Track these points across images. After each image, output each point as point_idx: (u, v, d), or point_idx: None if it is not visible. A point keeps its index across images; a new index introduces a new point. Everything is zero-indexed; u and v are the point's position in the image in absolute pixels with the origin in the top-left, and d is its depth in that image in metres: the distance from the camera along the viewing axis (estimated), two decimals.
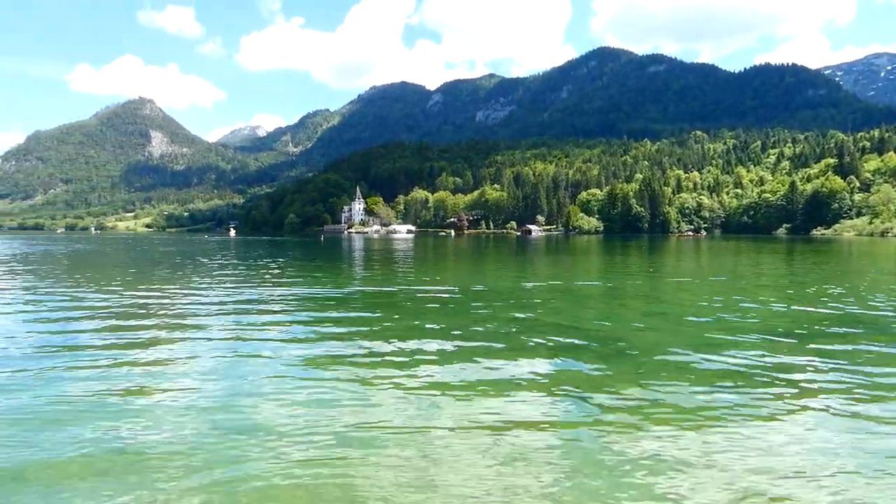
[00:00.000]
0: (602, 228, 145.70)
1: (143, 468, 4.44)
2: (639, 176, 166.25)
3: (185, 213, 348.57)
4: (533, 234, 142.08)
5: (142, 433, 5.16)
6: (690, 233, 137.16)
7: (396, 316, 11.91)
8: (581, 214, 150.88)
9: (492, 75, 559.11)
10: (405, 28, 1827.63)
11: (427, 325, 10.49)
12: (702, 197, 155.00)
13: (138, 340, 9.12)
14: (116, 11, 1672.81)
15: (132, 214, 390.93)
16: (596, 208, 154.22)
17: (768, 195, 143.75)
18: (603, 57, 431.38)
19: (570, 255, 43.29)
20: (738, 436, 5.05)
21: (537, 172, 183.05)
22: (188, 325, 10.62)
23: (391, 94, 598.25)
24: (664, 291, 17.61)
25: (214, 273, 22.99)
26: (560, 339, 9.31)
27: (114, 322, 10.83)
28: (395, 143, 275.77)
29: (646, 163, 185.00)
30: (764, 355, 7.98)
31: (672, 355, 8.05)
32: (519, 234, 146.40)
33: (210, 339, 9.14)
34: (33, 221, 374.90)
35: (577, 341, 9.15)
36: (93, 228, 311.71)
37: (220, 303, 13.65)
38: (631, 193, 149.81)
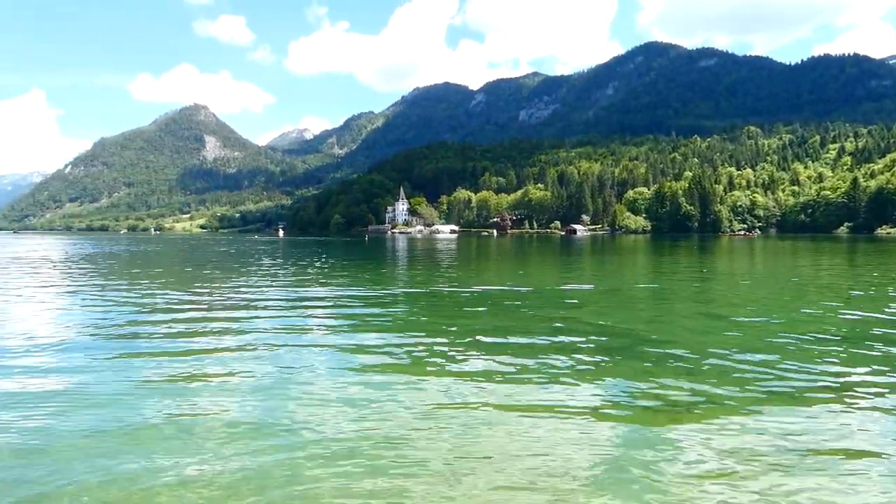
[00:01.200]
0: (649, 228, 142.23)
1: (196, 451, 4.74)
2: (688, 174, 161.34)
3: (237, 215, 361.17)
4: (578, 233, 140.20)
5: (195, 421, 5.48)
6: (742, 232, 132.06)
7: (439, 315, 12.00)
8: (627, 213, 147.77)
9: (535, 74, 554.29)
10: (448, 29, 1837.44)
11: (469, 326, 10.44)
12: (755, 195, 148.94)
13: (195, 333, 9.75)
14: (174, 22, 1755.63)
15: (188, 216, 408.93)
16: (643, 207, 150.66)
17: (828, 192, 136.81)
18: (650, 52, 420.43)
19: (617, 254, 42.58)
20: (784, 445, 4.89)
21: (582, 171, 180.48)
22: (240, 319, 11.25)
23: (434, 94, 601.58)
24: (715, 293, 17.13)
25: (266, 272, 23.93)
26: (604, 339, 9.19)
27: (174, 316, 11.56)
28: (437, 144, 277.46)
29: (695, 160, 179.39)
30: (819, 363, 7.58)
31: (721, 358, 7.79)
32: (563, 233, 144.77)
33: (260, 336, 9.49)
34: (99, 223, 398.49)
35: (622, 342, 9.00)
36: (152, 229, 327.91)
37: (271, 300, 14.13)
38: (680, 192, 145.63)
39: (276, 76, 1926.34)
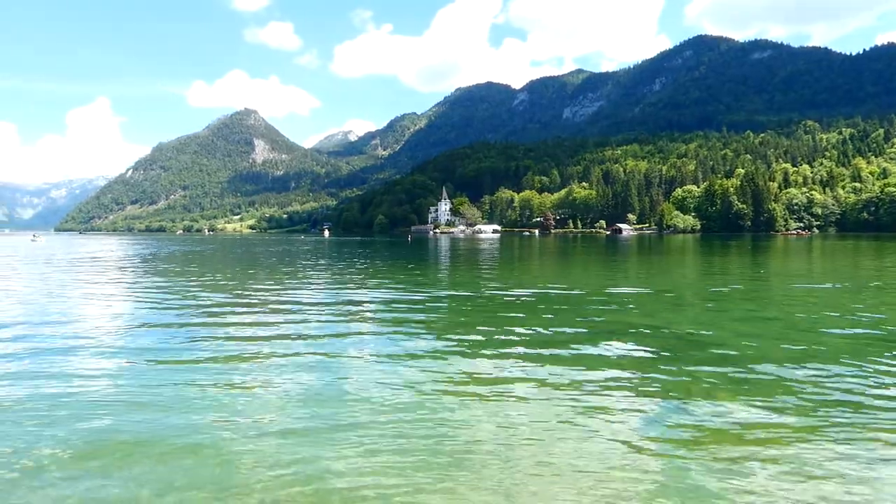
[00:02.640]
0: (699, 227, 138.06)
1: (235, 452, 4.86)
2: (740, 171, 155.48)
3: (284, 215, 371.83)
4: (623, 233, 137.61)
5: (236, 420, 5.68)
6: (798, 231, 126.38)
7: (481, 318, 11.89)
8: (676, 212, 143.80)
9: (579, 71, 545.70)
10: (491, 28, 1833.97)
11: (510, 328, 10.36)
12: (813, 192, 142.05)
13: (244, 336, 10.13)
14: (226, 30, 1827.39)
15: (238, 217, 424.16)
16: (692, 206, 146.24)
17: (893, 189, 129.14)
18: (700, 46, 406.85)
19: (664, 254, 41.79)
20: (834, 455, 4.71)
21: (628, 169, 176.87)
22: (288, 319, 11.65)
23: (476, 94, 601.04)
24: (768, 295, 16.52)
25: (313, 272, 24.71)
26: (652, 342, 9.02)
27: (225, 318, 12.06)
28: (480, 144, 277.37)
29: (748, 156, 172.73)
30: (879, 373, 7.15)
31: (773, 364, 7.53)
32: (608, 233, 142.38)
33: (308, 338, 9.74)
34: (157, 224, 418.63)
35: (670, 345, 8.81)
36: (206, 230, 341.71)
37: (317, 302, 14.49)
38: (731, 189, 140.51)
39: (322, 80, 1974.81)
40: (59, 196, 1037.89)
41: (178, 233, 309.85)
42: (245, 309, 13.58)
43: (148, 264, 31.72)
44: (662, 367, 7.58)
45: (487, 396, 6.36)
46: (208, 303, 14.69)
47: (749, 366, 7.53)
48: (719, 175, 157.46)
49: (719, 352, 8.44)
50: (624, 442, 5.08)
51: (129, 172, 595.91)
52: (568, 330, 10.30)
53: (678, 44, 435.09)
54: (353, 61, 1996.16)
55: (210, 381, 7.03)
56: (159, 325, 11.23)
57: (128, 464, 4.67)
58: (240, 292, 17.14)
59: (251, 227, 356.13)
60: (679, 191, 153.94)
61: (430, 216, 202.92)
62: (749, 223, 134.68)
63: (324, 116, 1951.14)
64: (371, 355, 8.42)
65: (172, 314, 12.64)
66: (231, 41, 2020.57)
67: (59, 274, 24.60)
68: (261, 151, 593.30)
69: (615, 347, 8.78)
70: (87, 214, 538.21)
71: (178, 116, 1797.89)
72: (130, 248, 56.92)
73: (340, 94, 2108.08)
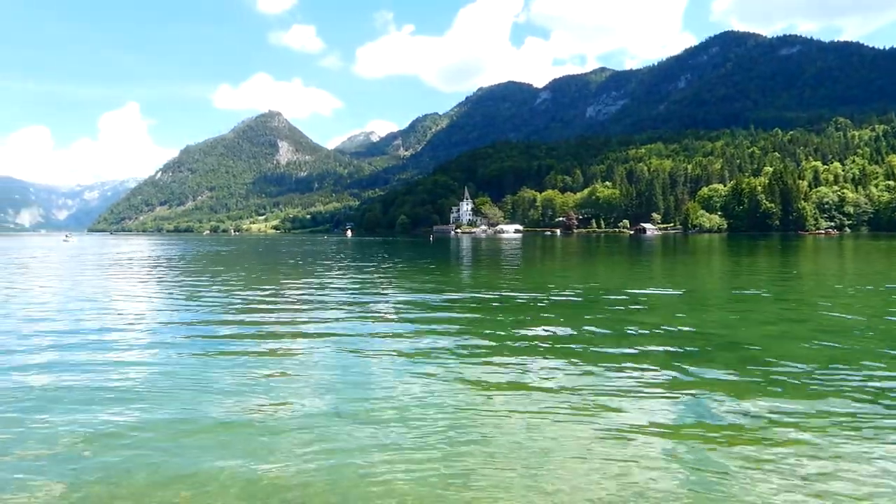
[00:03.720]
0: (725, 227, 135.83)
1: (265, 443, 5.07)
2: (768, 169, 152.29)
3: (308, 216, 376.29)
4: (648, 232, 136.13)
5: (266, 412, 5.93)
6: (827, 230, 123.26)
7: (504, 316, 11.90)
8: (701, 212, 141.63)
9: (602, 69, 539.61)
10: (513, 27, 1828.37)
11: (535, 326, 10.31)
12: (845, 190, 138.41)
13: (269, 333, 10.50)
14: (250, 34, 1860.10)
15: (263, 217, 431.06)
16: (718, 205, 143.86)
17: None
18: (726, 42, 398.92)
19: (690, 254, 41.20)
20: (863, 463, 4.62)
21: (652, 168, 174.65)
22: (312, 318, 11.95)
23: (498, 94, 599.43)
24: (798, 296, 16.20)
25: (335, 272, 25.06)
26: (679, 343, 8.93)
27: (251, 316, 12.45)
28: (502, 143, 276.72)
29: (777, 154, 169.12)
30: None
31: (804, 367, 7.40)
32: (632, 232, 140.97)
33: (331, 336, 10.00)
34: (185, 224, 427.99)
35: (698, 347, 8.69)
36: (232, 230, 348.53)
37: (340, 301, 14.68)
38: (759, 188, 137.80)
39: (345, 81, 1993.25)
40: (92, 198, 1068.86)
41: (204, 233, 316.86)
42: (271, 307, 14.00)
43: (178, 263, 32.89)
44: (689, 367, 7.50)
45: (509, 394, 6.41)
46: (237, 300, 15.20)
47: (778, 367, 7.43)
48: (746, 173, 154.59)
49: (747, 353, 8.31)
50: (648, 442, 5.06)
51: (158, 174, 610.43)
52: (593, 330, 10.19)
53: (704, 40, 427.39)
54: (375, 62, 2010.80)
55: (238, 372, 7.41)
56: (191, 320, 11.80)
57: (152, 450, 4.90)
58: (266, 291, 17.64)
59: (275, 228, 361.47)
60: (705, 189, 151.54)
61: (452, 216, 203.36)
62: (777, 222, 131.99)
63: (346, 117, 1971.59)
64: (394, 353, 8.52)
65: (203, 310, 13.21)
66: (255, 44, 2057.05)
67: (88, 273, 25.81)
68: (285, 153, 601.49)
69: (640, 348, 8.68)
70: (118, 215, 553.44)
71: (204, 119, 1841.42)
72: (159, 249, 58.52)
73: (362, 95, 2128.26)
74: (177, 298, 15.88)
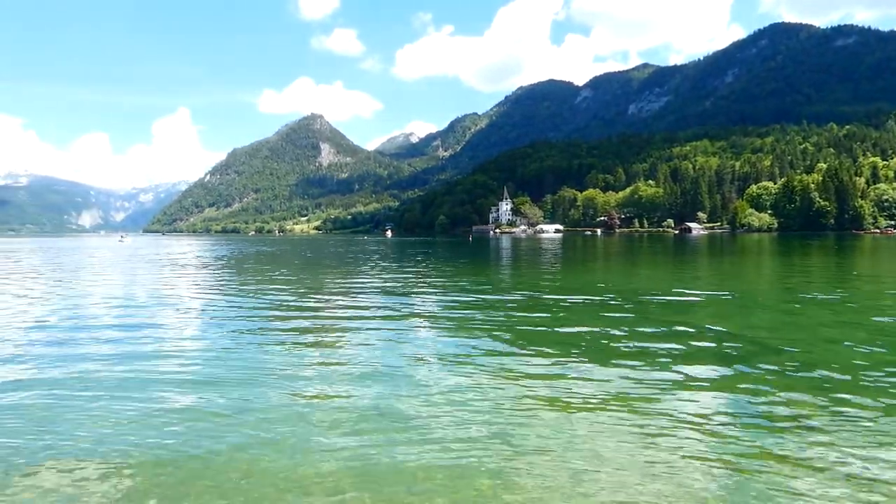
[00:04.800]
0: (775, 226, 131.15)
1: (307, 432, 5.28)
2: (821, 165, 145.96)
3: (348, 216, 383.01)
4: (693, 232, 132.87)
5: (308, 403, 6.14)
6: (887, 229, 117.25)
7: (544, 316, 11.71)
8: (750, 210, 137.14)
9: (645, 65, 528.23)
10: (553, 24, 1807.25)
11: (574, 331, 10.09)
12: None
13: (311, 328, 10.76)
14: (293, 40, 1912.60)
15: (305, 218, 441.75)
16: (768, 203, 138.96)
17: None
18: (776, 34, 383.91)
19: (738, 255, 39.93)
20: None
21: (698, 166, 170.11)
22: (354, 315, 12.16)
23: (538, 93, 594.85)
24: (855, 300, 15.20)
25: (376, 272, 25.31)
26: (727, 346, 8.69)
27: (296, 313, 12.73)
28: (542, 142, 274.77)
29: (831, 150, 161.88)
30: None
31: (857, 373, 7.07)
32: (676, 232, 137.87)
33: (371, 329, 10.30)
34: (232, 225, 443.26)
35: (746, 349, 8.42)
36: (276, 231, 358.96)
37: (381, 301, 14.70)
38: (812, 185, 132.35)
39: (384, 83, 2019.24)
40: (147, 200, 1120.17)
41: (250, 234, 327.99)
42: (315, 303, 14.56)
43: (227, 262, 34.45)
44: (735, 369, 7.32)
45: (549, 394, 6.40)
46: (282, 296, 15.74)
47: (830, 371, 7.17)
48: (798, 170, 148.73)
49: (798, 356, 8.03)
50: (691, 443, 5.00)
51: (207, 177, 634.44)
52: (635, 330, 10.01)
53: (753, 33, 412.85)
54: (414, 64, 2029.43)
55: (283, 364, 7.82)
56: (239, 315, 12.44)
57: (207, 434, 5.24)
58: (310, 288, 18.18)
59: (317, 228, 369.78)
60: (754, 187, 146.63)
61: (492, 216, 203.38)
62: (832, 221, 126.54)
63: (386, 119, 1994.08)
64: (434, 350, 8.66)
65: (250, 305, 13.89)
66: (298, 49, 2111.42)
67: (142, 271, 27.53)
68: (326, 155, 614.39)
69: (684, 351, 8.45)
70: (170, 217, 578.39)
71: (249, 123, 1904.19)
72: (208, 249, 60.66)
73: (402, 96, 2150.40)
74: (227, 294, 16.66)
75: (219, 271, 27.34)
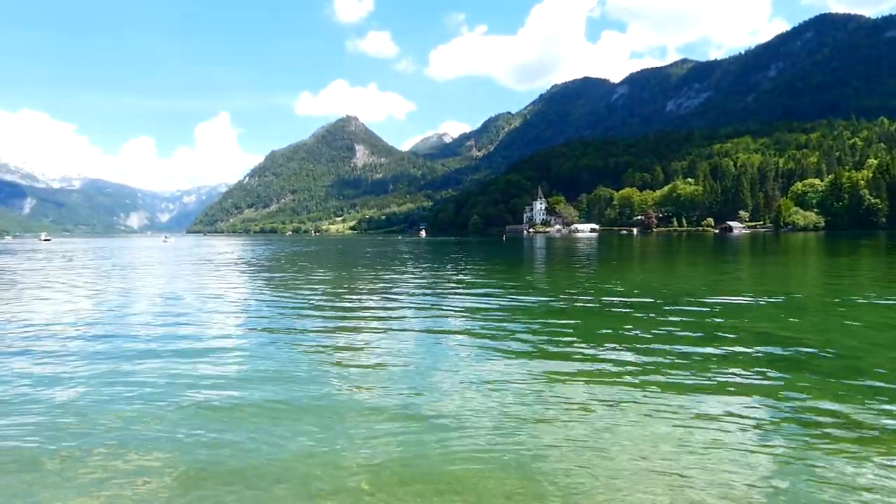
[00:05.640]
0: (822, 224, 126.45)
1: (341, 430, 5.43)
2: (872, 161, 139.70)
3: (382, 217, 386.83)
4: (734, 231, 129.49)
5: (343, 401, 6.34)
6: None
7: (583, 319, 11.60)
8: (795, 208, 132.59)
9: (684, 60, 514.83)
10: (588, 21, 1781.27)
11: (615, 331, 9.99)
12: None
13: (350, 327, 11.05)
14: (329, 42, 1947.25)
15: (340, 219, 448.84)
16: (814, 201, 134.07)
17: None
18: (823, 26, 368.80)
19: (783, 254, 38.81)
20: None
21: (739, 163, 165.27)
22: (389, 315, 12.38)
23: (572, 91, 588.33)
24: None
25: (411, 270, 25.96)
26: (771, 349, 8.47)
27: (332, 312, 13.11)
28: (577, 141, 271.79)
29: (882, 145, 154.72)
30: None
31: None
32: (717, 231, 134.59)
33: (407, 329, 10.49)
34: (270, 226, 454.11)
35: (791, 353, 8.21)
36: (312, 231, 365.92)
37: (415, 302, 14.93)
38: (862, 182, 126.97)
39: (418, 84, 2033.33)
40: (190, 201, 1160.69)
41: (287, 234, 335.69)
42: (350, 302, 14.91)
43: (266, 262, 35.78)
44: (779, 373, 7.15)
45: (585, 396, 6.37)
46: (319, 295, 16.22)
47: (879, 377, 6.96)
48: (847, 167, 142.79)
49: (845, 360, 7.81)
50: (731, 448, 4.93)
51: (246, 179, 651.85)
52: (675, 333, 9.83)
53: (797, 25, 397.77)
54: (448, 64, 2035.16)
55: (318, 361, 8.10)
56: (278, 314, 12.86)
57: (245, 431, 5.45)
58: (347, 287, 18.84)
59: (352, 229, 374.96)
60: (799, 185, 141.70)
61: (525, 216, 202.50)
62: (883, 220, 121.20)
63: (420, 120, 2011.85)
64: (467, 350, 8.73)
65: (289, 304, 14.35)
66: (334, 52, 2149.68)
67: (184, 270, 28.86)
68: (361, 156, 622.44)
69: (727, 354, 8.28)
70: (211, 217, 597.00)
71: (286, 126, 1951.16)
72: (248, 249, 62.50)
73: (435, 97, 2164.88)
74: (266, 293, 17.20)
75: (259, 271, 28.37)
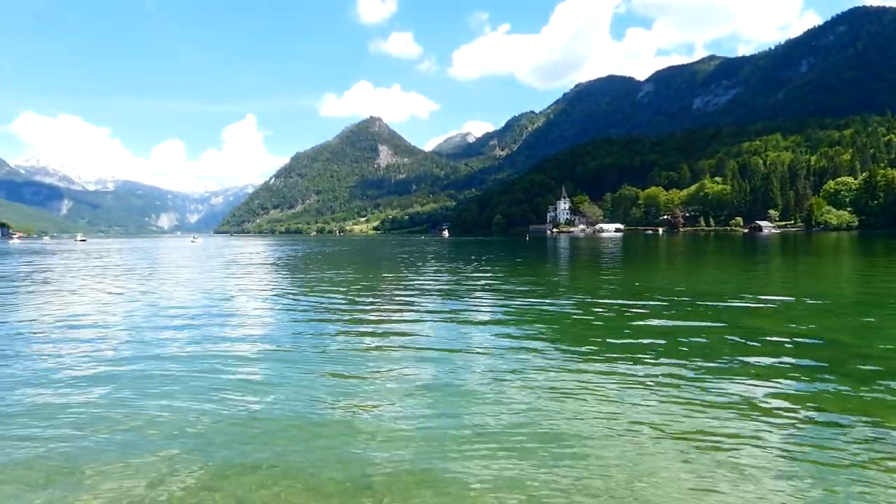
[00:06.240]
0: (856, 224, 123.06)
1: (362, 441, 5.35)
2: None
3: (406, 217, 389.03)
4: (764, 231, 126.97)
5: (364, 410, 6.24)
6: None
7: (608, 323, 11.28)
8: (827, 207, 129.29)
9: (711, 57, 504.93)
10: (613, 18, 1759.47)
11: (639, 338, 9.74)
12: None
13: (371, 332, 10.82)
14: (352, 44, 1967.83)
15: (364, 219, 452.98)
16: (848, 200, 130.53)
17: None
18: (857, 19, 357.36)
19: (815, 255, 37.69)
20: None
21: (769, 161, 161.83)
22: (413, 318, 12.29)
23: (597, 89, 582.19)
24: None
25: (433, 271, 25.81)
26: (803, 354, 8.24)
27: (356, 316, 13.03)
28: (601, 139, 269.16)
29: None
30: None
31: None
32: (746, 231, 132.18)
33: (428, 338, 10.16)
34: (295, 226, 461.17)
35: (825, 358, 7.95)
36: (336, 231, 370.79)
37: (437, 300, 15.02)
38: None
39: (441, 84, 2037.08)
40: (218, 203, 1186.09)
41: (311, 234, 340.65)
42: (373, 305, 14.85)
43: (292, 262, 36.31)
44: (813, 380, 6.97)
45: (610, 403, 6.24)
46: (343, 297, 16.31)
47: None
48: (882, 164, 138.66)
49: (883, 366, 7.58)
50: (761, 461, 4.77)
51: (272, 180, 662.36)
52: (703, 337, 9.62)
53: (830, 19, 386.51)
54: (471, 64, 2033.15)
55: (339, 368, 8.01)
56: (300, 318, 12.83)
57: (268, 438, 5.45)
58: (370, 289, 18.93)
59: (375, 229, 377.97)
60: (831, 183, 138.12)
61: (549, 215, 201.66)
62: None
63: (443, 119, 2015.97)
64: (490, 356, 8.59)
65: (311, 307, 14.45)
66: (357, 54, 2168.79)
67: (211, 271, 29.29)
68: (384, 156, 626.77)
69: (758, 357, 8.10)
70: (239, 218, 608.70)
71: (311, 127, 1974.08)
72: (275, 249, 63.21)
73: (458, 96, 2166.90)
74: (290, 294, 17.26)
75: (286, 270, 28.89)
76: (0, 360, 8.80)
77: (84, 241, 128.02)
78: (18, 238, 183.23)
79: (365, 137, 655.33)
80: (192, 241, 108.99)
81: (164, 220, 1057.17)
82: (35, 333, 11.13)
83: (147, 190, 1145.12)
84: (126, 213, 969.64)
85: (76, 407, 6.46)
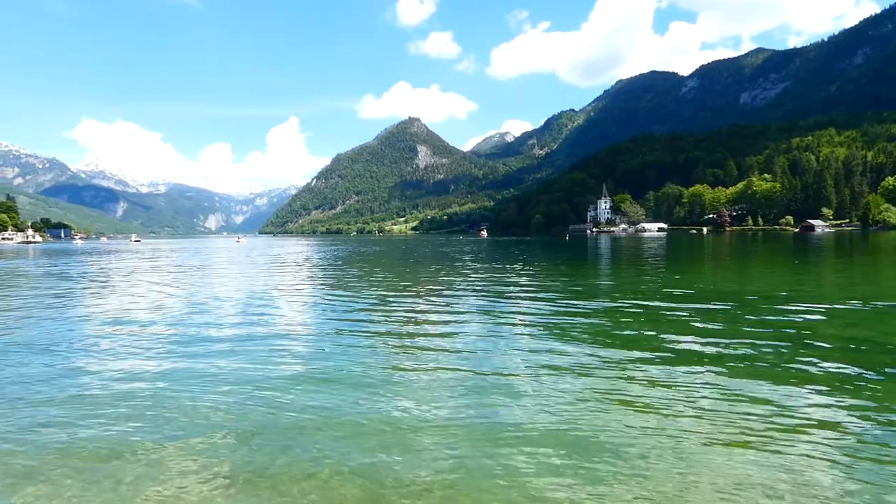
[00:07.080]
0: None
1: (397, 442, 5.37)
2: None
3: (444, 217, 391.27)
4: (816, 230, 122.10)
5: (400, 411, 6.26)
6: None
7: (650, 329, 10.89)
8: (886, 205, 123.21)
9: (759, 50, 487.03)
10: (655, 13, 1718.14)
11: (687, 340, 9.58)
12: None
13: (409, 332, 10.95)
14: (391, 46, 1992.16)
15: (403, 219, 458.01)
16: None
17: None
18: None
19: (872, 255, 35.97)
20: None
21: (822, 157, 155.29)
22: (448, 321, 12.21)
23: (639, 85, 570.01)
24: None
25: (471, 272, 25.95)
26: (859, 362, 7.96)
27: (395, 315, 13.15)
28: (643, 137, 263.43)
29: None
30: None
31: None
32: (797, 230, 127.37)
33: (468, 337, 10.30)
34: (336, 227, 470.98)
35: (882, 367, 7.69)
36: (376, 232, 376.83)
37: (476, 301, 15.09)
38: None
39: (479, 84, 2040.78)
40: (262, 204, 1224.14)
41: (351, 234, 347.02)
42: (413, 306, 14.82)
43: (334, 262, 37.10)
44: (871, 388, 6.79)
45: (653, 411, 6.09)
46: (383, 297, 16.53)
47: None
48: None
49: None
50: (818, 463, 4.74)
51: (313, 181, 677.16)
52: (752, 343, 9.33)
53: (889, 6, 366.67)
54: (509, 62, 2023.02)
55: (377, 369, 8.09)
56: (340, 317, 13.06)
57: (300, 434, 5.58)
58: (410, 290, 19.03)
59: (414, 229, 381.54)
60: (890, 179, 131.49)
61: (590, 214, 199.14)
62: None
63: (481, 119, 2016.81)
64: (529, 359, 8.51)
65: (352, 307, 14.57)
66: (396, 55, 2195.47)
67: (254, 270, 30.49)
68: (423, 157, 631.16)
69: (807, 361, 7.98)
70: (282, 219, 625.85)
71: (350, 129, 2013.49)
72: (317, 250, 64.59)
73: (496, 96, 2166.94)
74: (331, 295, 17.49)
75: (328, 271, 29.44)
76: (51, 352, 9.43)
77: (138, 241, 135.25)
78: (80, 239, 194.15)
79: (403, 138, 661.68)
80: (237, 241, 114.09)
81: (212, 221, 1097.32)
82: (92, 327, 11.93)
83: (195, 192, 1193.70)
84: (176, 214, 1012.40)
85: (123, 398, 6.82)
